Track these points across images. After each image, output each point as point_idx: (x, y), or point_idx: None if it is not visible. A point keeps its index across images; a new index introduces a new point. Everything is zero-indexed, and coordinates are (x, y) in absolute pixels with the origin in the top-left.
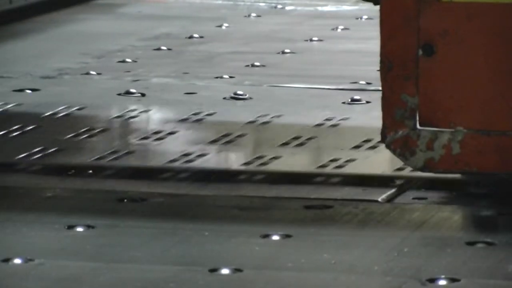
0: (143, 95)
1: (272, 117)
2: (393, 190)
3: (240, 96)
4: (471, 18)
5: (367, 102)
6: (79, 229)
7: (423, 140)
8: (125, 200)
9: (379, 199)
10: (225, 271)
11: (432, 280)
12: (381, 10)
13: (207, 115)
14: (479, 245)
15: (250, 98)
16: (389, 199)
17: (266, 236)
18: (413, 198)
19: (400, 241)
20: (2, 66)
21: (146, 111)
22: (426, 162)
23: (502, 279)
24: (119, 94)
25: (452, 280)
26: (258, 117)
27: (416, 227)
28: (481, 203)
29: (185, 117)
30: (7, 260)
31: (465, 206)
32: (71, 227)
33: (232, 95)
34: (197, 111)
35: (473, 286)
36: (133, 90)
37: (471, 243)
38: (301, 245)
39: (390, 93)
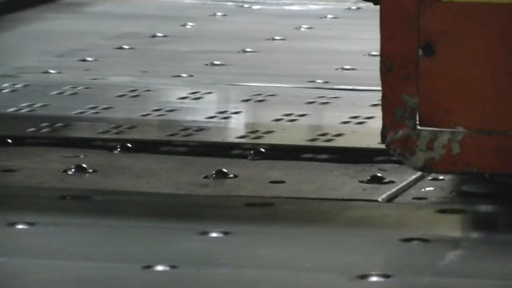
0: None
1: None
2: (393, 190)
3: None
4: (471, 18)
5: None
6: (20, 226)
7: (423, 140)
8: (68, 198)
9: (379, 199)
10: (159, 267)
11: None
12: (381, 10)
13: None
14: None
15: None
16: (389, 199)
17: (204, 233)
18: (413, 198)
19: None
20: None
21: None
22: (426, 162)
23: None
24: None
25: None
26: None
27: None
28: (481, 203)
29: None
30: None
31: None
32: (11, 224)
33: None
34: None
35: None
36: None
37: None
38: (238, 242)
39: (390, 93)
